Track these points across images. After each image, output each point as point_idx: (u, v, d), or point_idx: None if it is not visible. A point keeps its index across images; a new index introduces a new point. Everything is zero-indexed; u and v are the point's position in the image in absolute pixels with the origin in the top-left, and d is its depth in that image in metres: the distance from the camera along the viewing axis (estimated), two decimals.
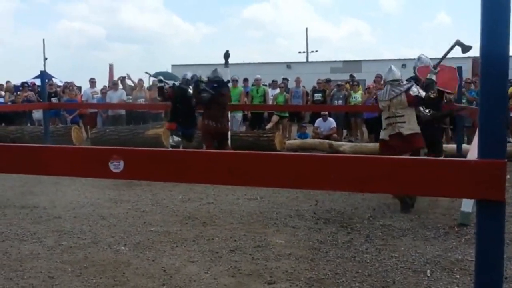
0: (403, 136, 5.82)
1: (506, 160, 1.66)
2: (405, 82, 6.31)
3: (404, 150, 5.72)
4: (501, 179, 1.67)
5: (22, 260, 4.05)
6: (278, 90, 13.38)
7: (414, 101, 5.89)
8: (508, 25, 1.64)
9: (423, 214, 5.45)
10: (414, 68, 7.16)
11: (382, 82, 7.87)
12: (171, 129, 8.55)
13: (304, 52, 40.81)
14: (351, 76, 14.43)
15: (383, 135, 6.02)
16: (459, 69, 8.34)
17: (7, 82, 15.83)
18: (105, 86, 14.64)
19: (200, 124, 8.52)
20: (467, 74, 12.96)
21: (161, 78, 8.91)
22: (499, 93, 1.67)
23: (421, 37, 70.27)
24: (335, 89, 13.14)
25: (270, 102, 12.97)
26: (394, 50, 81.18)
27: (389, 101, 5.91)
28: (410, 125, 5.87)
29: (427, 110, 6.34)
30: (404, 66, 27.19)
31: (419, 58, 7.28)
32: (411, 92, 5.89)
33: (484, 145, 1.70)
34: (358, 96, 12.87)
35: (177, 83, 8.69)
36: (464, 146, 9.14)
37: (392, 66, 6.34)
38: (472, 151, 2.58)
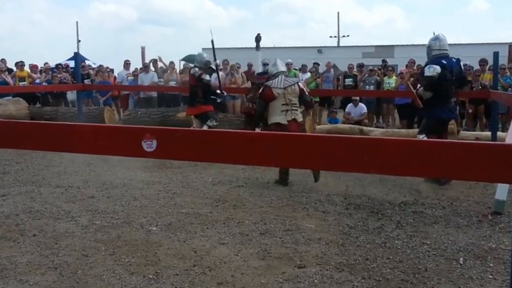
0: (298, 122, 6.37)
1: None
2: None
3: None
4: None
5: (57, 238, 4.14)
6: (308, 75, 13.28)
7: (302, 93, 6.44)
8: None
9: (455, 202, 5.36)
10: (429, 47, 6.64)
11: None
12: (207, 111, 8.17)
13: (335, 36, 40.35)
14: (384, 61, 14.24)
15: (279, 119, 6.27)
16: (495, 54, 8.10)
17: (45, 63, 16.13)
18: (137, 68, 14.76)
19: (244, 108, 8.44)
20: (503, 60, 12.65)
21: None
22: None
23: (456, 22, 68.60)
24: (366, 74, 12.97)
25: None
26: (428, 36, 79.32)
27: (284, 90, 6.33)
28: (300, 113, 6.57)
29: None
30: None
31: (437, 37, 6.60)
32: (300, 84, 6.60)
33: None
34: (392, 82, 12.66)
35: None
36: (499, 133, 8.93)
37: (277, 59, 6.98)
38: (510, 136, 2.51)
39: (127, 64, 14.65)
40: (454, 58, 6.57)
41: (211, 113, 8.12)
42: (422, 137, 6.36)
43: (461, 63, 6.65)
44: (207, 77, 7.92)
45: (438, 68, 6.26)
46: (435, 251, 3.92)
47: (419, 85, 6.85)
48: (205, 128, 7.82)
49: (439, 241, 4.14)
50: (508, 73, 11.56)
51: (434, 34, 6.70)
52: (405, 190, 5.84)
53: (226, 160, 2.21)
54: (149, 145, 2.12)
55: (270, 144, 2.00)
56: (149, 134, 2.13)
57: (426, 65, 6.54)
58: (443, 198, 5.49)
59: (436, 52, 6.45)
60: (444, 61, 6.34)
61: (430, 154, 1.77)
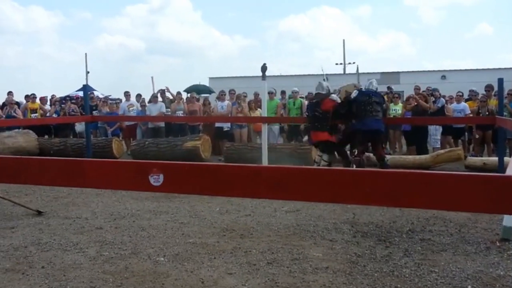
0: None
1: None
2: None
3: None
4: None
5: (65, 270, 4.17)
6: None
7: None
8: None
9: (463, 228, 5.34)
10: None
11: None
12: (332, 141, 8.55)
13: (341, 63, 40.69)
14: (389, 88, 14.30)
15: None
16: (500, 81, 8.16)
17: (52, 95, 16.38)
18: (143, 98, 14.91)
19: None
20: (510, 85, 12.70)
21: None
22: None
23: (462, 47, 68.89)
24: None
25: None
26: (435, 61, 79.76)
27: None
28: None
29: None
30: (443, 77, 26.87)
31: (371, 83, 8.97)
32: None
33: None
34: (398, 108, 12.72)
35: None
36: (506, 159, 8.92)
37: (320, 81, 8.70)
38: (511, 167, 2.54)
39: (127, 96, 14.81)
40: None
41: (332, 144, 8.54)
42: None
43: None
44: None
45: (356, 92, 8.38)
46: (443, 279, 3.90)
47: None
48: (324, 158, 8.28)
49: (447, 269, 4.12)
50: None
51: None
52: (412, 217, 5.84)
53: (233, 194, 2.25)
54: (156, 179, 2.17)
55: (275, 177, 2.05)
56: (156, 168, 2.18)
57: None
58: (451, 225, 5.48)
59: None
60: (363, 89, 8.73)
61: (430, 186, 1.80)
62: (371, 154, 9.48)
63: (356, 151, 8.61)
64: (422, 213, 5.91)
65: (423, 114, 11.85)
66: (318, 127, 8.38)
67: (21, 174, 2.45)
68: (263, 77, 9.91)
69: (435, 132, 12.26)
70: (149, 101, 14.44)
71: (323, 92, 8.50)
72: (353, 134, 8.67)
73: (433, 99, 12.22)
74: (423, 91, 12.95)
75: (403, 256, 4.48)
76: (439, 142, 12.23)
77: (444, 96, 13.11)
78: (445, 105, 12.22)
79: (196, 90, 22.03)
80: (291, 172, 2.09)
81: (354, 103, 8.47)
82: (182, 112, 13.73)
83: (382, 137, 9.80)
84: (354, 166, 8.39)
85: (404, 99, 14.07)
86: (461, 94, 12.82)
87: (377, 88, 8.98)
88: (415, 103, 12.10)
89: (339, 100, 8.62)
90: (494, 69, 24.59)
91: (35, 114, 14.35)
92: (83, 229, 5.48)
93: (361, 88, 8.85)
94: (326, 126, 8.44)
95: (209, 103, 14.59)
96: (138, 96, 14.84)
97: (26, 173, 2.44)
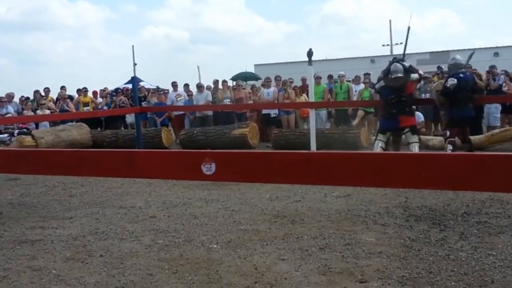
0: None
1: None
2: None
3: None
4: None
5: (122, 258, 4.29)
6: (362, 86, 13.17)
7: None
8: None
9: None
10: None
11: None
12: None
13: (388, 45, 39.84)
14: (439, 67, 13.89)
15: None
16: None
17: (105, 88, 16.83)
18: (186, 84, 15.04)
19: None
20: None
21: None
22: None
23: None
24: (422, 82, 12.73)
25: (354, 98, 12.80)
26: (486, 38, 76.92)
27: None
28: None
29: None
30: (496, 54, 25.90)
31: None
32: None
33: None
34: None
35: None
36: None
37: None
38: None
39: (175, 86, 14.99)
40: (469, 73, 8.41)
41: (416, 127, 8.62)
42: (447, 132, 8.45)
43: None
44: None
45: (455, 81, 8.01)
46: (502, 262, 3.80)
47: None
48: (417, 140, 8.23)
49: (505, 251, 4.01)
50: None
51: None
52: (467, 199, 5.69)
53: (285, 181, 2.25)
54: (208, 168, 2.19)
55: (326, 163, 2.03)
56: (208, 157, 2.21)
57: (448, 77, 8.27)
58: (508, 207, 5.32)
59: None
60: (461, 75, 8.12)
61: (486, 168, 1.75)
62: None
63: (449, 133, 8.41)
64: (477, 195, 5.76)
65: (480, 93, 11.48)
66: (408, 111, 8.21)
67: (77, 166, 2.53)
68: (310, 62, 9.84)
69: (495, 110, 11.83)
70: (196, 90, 14.59)
71: (402, 75, 8.23)
72: (458, 121, 8.44)
73: (492, 76, 11.81)
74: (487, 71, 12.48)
75: (458, 239, 4.38)
76: (498, 120, 11.80)
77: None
78: (506, 82, 11.79)
79: (243, 77, 22.13)
80: (341, 157, 2.07)
81: (454, 93, 8.13)
82: (229, 100, 13.82)
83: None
84: (451, 147, 8.32)
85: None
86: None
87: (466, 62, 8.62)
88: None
89: (417, 78, 8.43)
90: None
91: (87, 108, 14.77)
92: (137, 218, 5.63)
93: (459, 75, 8.18)
94: (413, 111, 8.55)
95: (257, 90, 14.61)
96: (186, 86, 15.01)
97: (82, 166, 2.51)
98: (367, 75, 13.92)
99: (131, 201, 6.51)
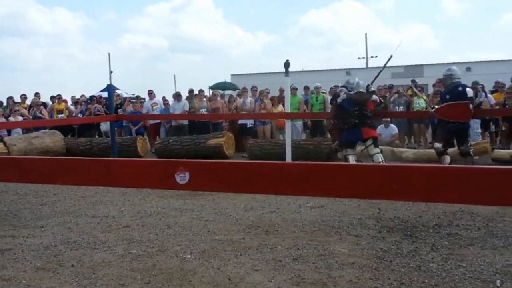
0: None
1: None
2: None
3: None
4: None
5: (94, 268, 4.24)
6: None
7: None
8: None
9: (491, 222, 5.27)
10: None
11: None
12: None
13: (364, 58, 40.39)
14: (413, 81, 14.11)
15: None
16: None
17: (82, 95, 16.71)
18: (164, 97, 15.05)
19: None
20: None
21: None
22: None
23: (488, 38, 67.67)
24: (395, 95, 12.94)
25: (329, 110, 12.91)
26: (459, 54, 78.47)
27: None
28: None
29: None
30: (469, 69, 26.46)
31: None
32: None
33: None
34: (422, 102, 12.59)
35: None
36: None
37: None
38: None
39: (150, 94, 14.93)
40: (461, 86, 8.36)
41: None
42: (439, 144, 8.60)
43: (467, 89, 8.36)
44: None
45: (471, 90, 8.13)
46: (471, 273, 3.86)
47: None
48: (378, 151, 8.34)
49: (475, 263, 4.08)
50: None
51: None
52: (439, 211, 5.78)
53: (259, 191, 2.26)
54: (182, 177, 2.19)
55: (300, 174, 2.05)
56: (182, 167, 2.21)
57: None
58: (478, 219, 5.42)
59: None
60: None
61: (459, 181, 1.79)
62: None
63: (442, 145, 8.63)
64: (448, 207, 5.85)
65: None
66: (370, 124, 8.41)
67: (51, 174, 2.50)
68: (286, 73, 9.92)
69: (475, 125, 11.96)
70: (173, 99, 14.55)
71: (364, 92, 8.45)
72: (452, 132, 8.62)
73: (475, 92, 11.95)
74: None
75: (430, 251, 4.44)
76: (479, 135, 11.96)
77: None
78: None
79: (222, 87, 22.11)
80: (315, 168, 2.10)
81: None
82: (205, 109, 13.81)
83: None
84: (449, 160, 8.59)
85: (428, 92, 13.93)
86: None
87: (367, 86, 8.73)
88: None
89: (378, 101, 8.71)
90: None
91: (61, 115, 14.59)
92: (110, 227, 5.57)
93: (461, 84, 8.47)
94: (373, 124, 8.70)
95: (234, 100, 14.64)
96: (150, 94, 14.98)
97: (55, 174, 2.49)
98: (342, 86, 14.02)
99: (104, 210, 6.44)
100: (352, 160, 8.35)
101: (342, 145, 8.75)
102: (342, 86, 9.09)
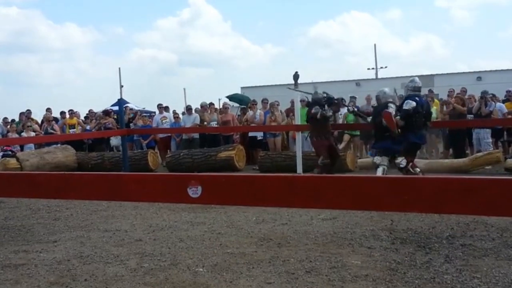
0: None
1: None
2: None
3: None
4: None
5: (107, 282, 4.25)
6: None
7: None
8: None
9: (505, 233, 5.22)
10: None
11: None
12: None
13: (373, 68, 40.40)
14: (430, 91, 13.96)
15: None
16: None
17: (90, 110, 16.86)
18: (174, 110, 15.16)
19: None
20: None
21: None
22: None
23: (497, 47, 67.35)
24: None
25: (340, 121, 12.90)
26: (469, 63, 78.21)
27: None
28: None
29: None
30: (479, 78, 26.33)
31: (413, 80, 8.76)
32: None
33: None
34: (433, 112, 12.53)
35: None
36: None
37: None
38: None
39: (160, 108, 15.04)
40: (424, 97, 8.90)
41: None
42: (401, 159, 8.30)
43: (388, 104, 8.62)
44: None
45: (413, 103, 8.21)
46: (486, 285, 3.82)
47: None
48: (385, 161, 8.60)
49: (490, 274, 4.04)
50: None
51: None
52: (452, 222, 5.74)
53: (270, 204, 2.28)
54: (194, 191, 2.21)
55: (310, 187, 2.06)
56: (194, 180, 2.22)
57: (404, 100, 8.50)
58: (492, 230, 5.37)
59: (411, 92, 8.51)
60: (417, 98, 8.38)
61: (468, 192, 1.79)
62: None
63: (406, 160, 8.37)
64: (462, 218, 5.80)
65: (460, 117, 11.65)
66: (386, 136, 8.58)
67: (63, 189, 2.53)
68: (295, 85, 9.95)
69: (485, 135, 11.81)
70: (183, 113, 14.63)
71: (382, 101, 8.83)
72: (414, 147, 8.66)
73: (485, 102, 11.85)
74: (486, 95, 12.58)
75: (444, 262, 4.40)
76: (490, 145, 11.82)
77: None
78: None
79: (237, 99, 22.10)
80: (326, 180, 2.10)
81: (413, 116, 8.31)
82: (215, 122, 13.86)
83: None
84: (419, 169, 8.59)
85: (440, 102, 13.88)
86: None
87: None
88: (452, 107, 11.94)
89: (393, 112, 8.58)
90: None
91: (73, 130, 14.73)
92: (123, 241, 5.58)
93: (416, 98, 8.46)
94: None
95: (245, 113, 14.69)
96: (160, 108, 15.10)
97: (68, 189, 2.51)
98: (352, 98, 14.06)
99: (116, 224, 6.46)
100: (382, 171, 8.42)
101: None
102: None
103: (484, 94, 12.08)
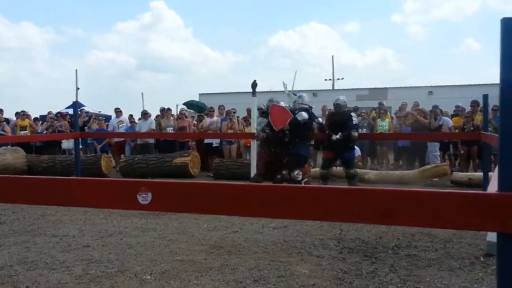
0: None
1: None
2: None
3: None
4: None
5: None
6: None
7: None
8: None
9: (448, 244, 5.40)
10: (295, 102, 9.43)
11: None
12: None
13: (330, 79, 41.02)
14: (380, 103, 14.32)
15: None
16: (485, 97, 8.29)
17: (49, 112, 16.44)
18: (131, 115, 14.98)
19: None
20: (496, 101, 12.84)
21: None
22: None
23: (449, 63, 69.57)
24: (359, 118, 13.18)
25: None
26: (422, 77, 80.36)
27: None
28: None
29: None
30: (430, 93, 27.15)
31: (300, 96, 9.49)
32: None
33: (504, 178, 1.73)
34: (385, 124, 12.88)
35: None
36: (491, 174, 9.03)
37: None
38: (492, 183, 2.61)
39: (117, 112, 14.83)
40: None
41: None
42: (297, 172, 8.69)
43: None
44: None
45: (306, 115, 8.70)
46: None
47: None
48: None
49: (432, 284, 4.16)
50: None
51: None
52: (398, 232, 5.89)
53: (221, 212, 2.29)
54: (144, 197, 2.20)
55: (262, 196, 2.09)
56: (145, 187, 2.21)
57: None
58: (436, 240, 5.54)
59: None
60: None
61: (416, 204, 1.85)
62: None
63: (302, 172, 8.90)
64: (408, 228, 5.96)
65: (422, 130, 11.99)
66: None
67: (11, 193, 2.47)
68: (253, 93, 10.02)
69: (433, 148, 12.20)
70: (140, 118, 14.47)
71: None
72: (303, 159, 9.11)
73: (434, 116, 12.26)
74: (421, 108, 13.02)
75: (388, 272, 4.51)
76: (438, 158, 12.20)
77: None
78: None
79: (196, 107, 22.01)
80: (277, 190, 2.14)
81: (303, 129, 8.87)
82: (172, 128, 13.77)
83: None
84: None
85: (392, 114, 14.24)
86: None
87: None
88: (415, 119, 12.27)
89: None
90: (480, 84, 24.89)
91: (24, 131, 14.31)
92: (70, 247, 5.47)
93: (307, 109, 9.05)
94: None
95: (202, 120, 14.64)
96: (117, 111, 14.88)
97: (15, 192, 2.46)
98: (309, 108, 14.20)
99: (64, 229, 6.32)
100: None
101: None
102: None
103: (434, 108, 12.51)
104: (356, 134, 9.06)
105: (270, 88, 32.31)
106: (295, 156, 8.79)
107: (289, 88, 10.28)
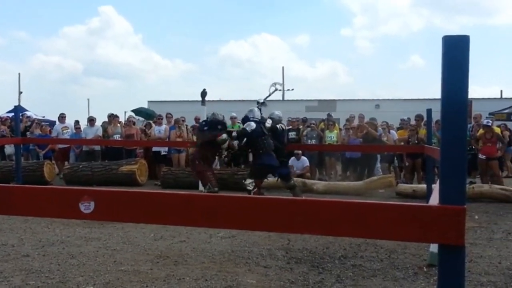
0: None
1: (465, 206, 1.74)
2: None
3: None
4: (460, 225, 1.74)
5: None
6: None
7: None
8: (467, 72, 1.73)
9: (393, 254, 5.50)
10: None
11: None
12: None
13: (280, 90, 41.35)
14: (329, 115, 14.55)
15: None
16: (428, 111, 8.57)
17: None
18: (77, 121, 14.59)
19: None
20: (438, 115, 13.30)
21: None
22: (459, 140, 1.74)
23: (395, 78, 71.54)
24: (308, 129, 13.36)
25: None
26: (370, 91, 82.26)
27: None
28: None
29: None
30: (377, 106, 27.85)
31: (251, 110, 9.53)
32: None
33: (444, 191, 1.77)
34: (333, 136, 13.08)
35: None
36: (434, 186, 9.31)
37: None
38: (434, 195, 2.67)
39: (62, 118, 14.40)
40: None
41: None
42: (250, 181, 8.77)
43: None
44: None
45: (253, 125, 8.90)
46: None
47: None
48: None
49: None
50: None
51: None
52: (345, 243, 5.96)
53: (166, 222, 2.24)
54: (86, 206, 2.13)
55: (209, 205, 2.06)
56: (87, 195, 2.14)
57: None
58: (381, 251, 5.64)
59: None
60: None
61: (359, 215, 1.87)
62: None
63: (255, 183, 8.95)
64: (354, 239, 6.04)
65: (373, 141, 12.24)
66: None
67: None
68: (203, 102, 9.99)
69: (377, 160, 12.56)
70: (86, 124, 14.12)
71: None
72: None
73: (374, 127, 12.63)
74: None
75: (335, 282, 4.55)
76: (379, 170, 12.50)
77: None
78: (384, 133, 12.67)
79: (144, 112, 21.69)
80: (224, 200, 2.11)
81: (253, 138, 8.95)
82: (119, 135, 13.49)
83: None
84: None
85: (341, 126, 14.50)
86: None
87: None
88: (366, 131, 12.51)
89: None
90: (424, 99, 25.70)
91: None
92: (8, 256, 5.24)
93: (257, 121, 9.20)
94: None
95: (151, 127, 14.44)
96: (61, 117, 14.46)
97: None
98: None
99: (3, 238, 6.06)
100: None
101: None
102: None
103: (372, 120, 12.91)
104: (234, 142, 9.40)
105: (220, 98, 32.39)
106: (259, 166, 8.88)
107: (262, 100, 10.45)
